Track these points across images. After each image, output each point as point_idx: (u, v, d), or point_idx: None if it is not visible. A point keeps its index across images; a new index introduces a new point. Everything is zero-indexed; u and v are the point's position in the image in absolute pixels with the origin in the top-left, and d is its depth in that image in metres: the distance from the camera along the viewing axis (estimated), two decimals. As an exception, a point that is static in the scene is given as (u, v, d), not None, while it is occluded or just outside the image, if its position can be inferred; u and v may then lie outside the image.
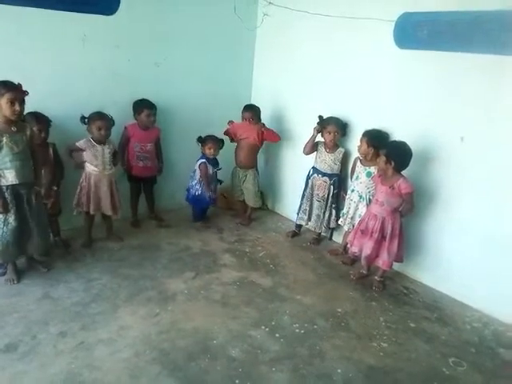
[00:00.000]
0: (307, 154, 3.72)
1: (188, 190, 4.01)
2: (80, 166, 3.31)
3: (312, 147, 3.67)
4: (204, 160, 3.88)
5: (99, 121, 3.22)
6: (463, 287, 3.07)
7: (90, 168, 3.28)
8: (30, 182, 2.76)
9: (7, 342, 2.33)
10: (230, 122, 4.00)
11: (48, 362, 2.22)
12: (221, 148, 3.91)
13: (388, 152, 2.96)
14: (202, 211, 4.14)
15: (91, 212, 3.35)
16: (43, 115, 3.04)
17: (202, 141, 3.87)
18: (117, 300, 2.78)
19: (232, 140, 4.04)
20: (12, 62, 3.03)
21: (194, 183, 3.94)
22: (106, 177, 3.33)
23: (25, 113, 2.68)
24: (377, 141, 3.18)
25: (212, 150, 3.85)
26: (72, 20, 3.24)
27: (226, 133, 4.02)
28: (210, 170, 3.91)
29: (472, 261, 3.00)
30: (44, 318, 2.55)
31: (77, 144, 3.24)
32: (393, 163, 2.95)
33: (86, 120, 3.24)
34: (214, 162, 3.95)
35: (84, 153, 3.27)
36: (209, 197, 3.95)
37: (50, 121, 3.09)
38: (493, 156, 2.83)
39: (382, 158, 2.99)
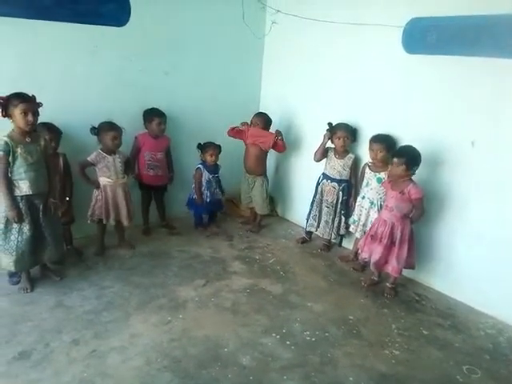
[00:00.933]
0: (318, 160, 3.73)
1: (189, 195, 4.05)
2: (95, 183, 3.31)
3: (323, 153, 3.68)
4: (200, 165, 3.90)
5: (112, 131, 3.24)
6: (476, 293, 3.03)
7: (104, 180, 3.31)
8: (44, 192, 2.79)
9: (20, 350, 2.35)
10: (246, 124, 3.94)
11: (61, 369, 2.24)
12: (219, 153, 3.91)
13: (408, 160, 2.91)
14: (203, 216, 4.11)
15: (111, 222, 3.39)
16: (54, 125, 3.08)
17: (201, 148, 3.87)
18: (128, 308, 2.80)
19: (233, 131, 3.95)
20: (24, 72, 3.09)
21: (192, 186, 3.98)
22: (121, 186, 3.37)
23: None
24: (392, 145, 3.19)
25: (214, 157, 3.86)
26: (83, 32, 3.29)
27: (236, 131, 3.93)
28: (206, 175, 3.90)
29: (485, 266, 2.96)
30: (57, 326, 2.57)
31: (88, 159, 3.25)
32: (411, 171, 2.94)
33: (96, 130, 3.26)
34: (213, 169, 3.94)
35: (96, 168, 3.30)
36: (201, 202, 3.93)
37: (61, 131, 3.13)
38: (502, 159, 2.81)
39: (402, 167, 2.92)
